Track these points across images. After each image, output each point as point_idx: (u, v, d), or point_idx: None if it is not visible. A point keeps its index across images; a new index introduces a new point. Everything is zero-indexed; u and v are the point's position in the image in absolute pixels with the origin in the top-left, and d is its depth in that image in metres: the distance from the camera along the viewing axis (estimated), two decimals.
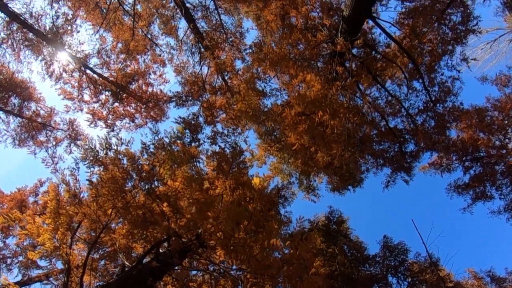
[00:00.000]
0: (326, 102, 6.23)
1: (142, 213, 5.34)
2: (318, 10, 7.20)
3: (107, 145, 5.72)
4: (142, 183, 5.67)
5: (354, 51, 7.39)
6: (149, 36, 12.24)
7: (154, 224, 5.33)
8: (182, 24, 12.23)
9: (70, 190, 5.04)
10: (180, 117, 10.26)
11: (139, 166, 5.73)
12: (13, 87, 8.23)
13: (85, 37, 11.30)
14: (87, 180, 5.02)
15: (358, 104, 8.50)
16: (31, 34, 8.24)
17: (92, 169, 5.50)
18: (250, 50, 10.68)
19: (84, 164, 5.50)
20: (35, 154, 9.26)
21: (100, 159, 5.63)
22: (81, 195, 5.07)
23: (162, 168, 5.89)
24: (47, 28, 7.84)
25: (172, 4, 11.47)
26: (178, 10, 12.01)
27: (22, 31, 8.13)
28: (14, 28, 7.95)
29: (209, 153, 8.18)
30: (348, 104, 6.30)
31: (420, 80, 7.18)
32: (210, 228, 5.29)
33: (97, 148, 5.71)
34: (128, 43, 11.75)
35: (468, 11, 6.75)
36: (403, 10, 6.76)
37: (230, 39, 12.82)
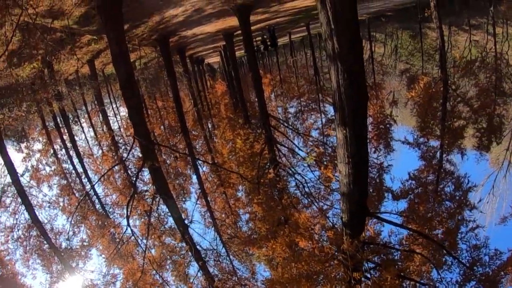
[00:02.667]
0: None
1: None
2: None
3: None
4: None
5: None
6: (160, 279, 12.12)
7: None
8: (193, 266, 12.62)
9: None
10: None
11: None
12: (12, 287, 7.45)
13: (96, 266, 11.21)
14: None
15: None
16: (46, 246, 8.41)
17: None
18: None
19: None
20: None
21: None
22: None
23: None
24: (63, 246, 8.11)
25: (183, 245, 12.08)
26: (189, 253, 12.47)
27: (39, 239, 8.37)
28: (33, 233, 8.27)
29: None
30: None
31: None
32: None
33: None
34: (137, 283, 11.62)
35: (456, 174, 7.07)
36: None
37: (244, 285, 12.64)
